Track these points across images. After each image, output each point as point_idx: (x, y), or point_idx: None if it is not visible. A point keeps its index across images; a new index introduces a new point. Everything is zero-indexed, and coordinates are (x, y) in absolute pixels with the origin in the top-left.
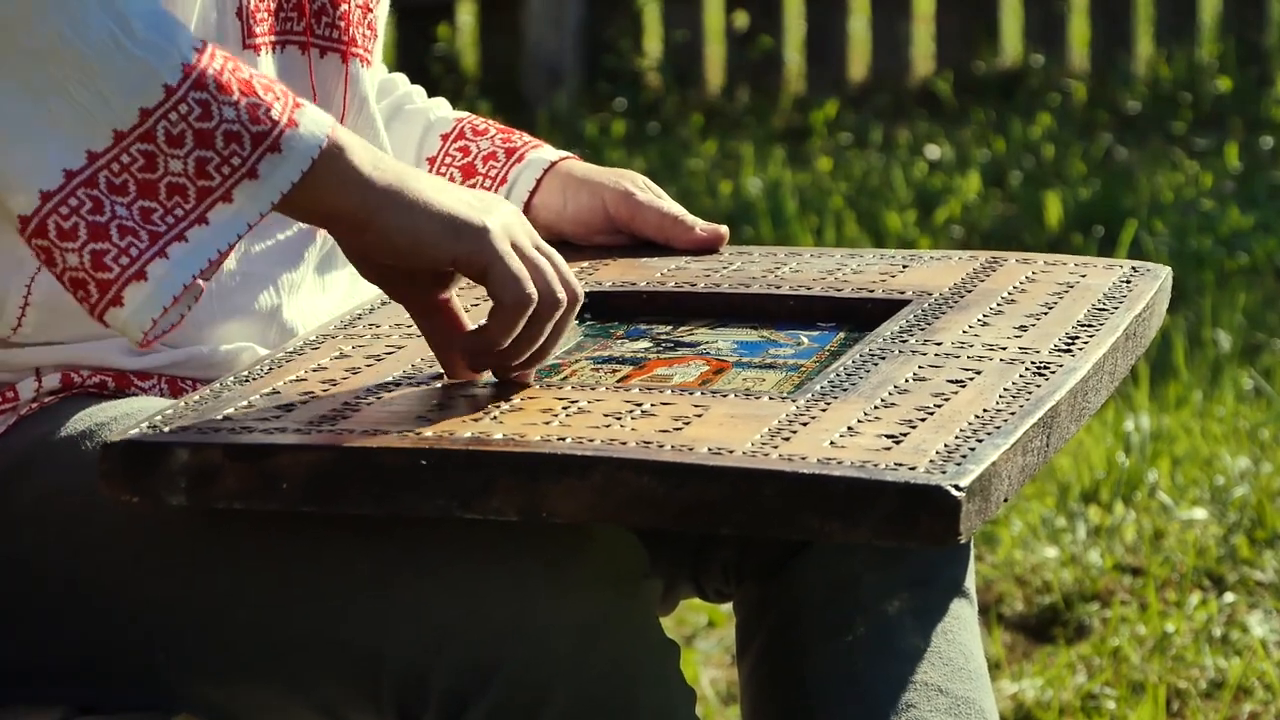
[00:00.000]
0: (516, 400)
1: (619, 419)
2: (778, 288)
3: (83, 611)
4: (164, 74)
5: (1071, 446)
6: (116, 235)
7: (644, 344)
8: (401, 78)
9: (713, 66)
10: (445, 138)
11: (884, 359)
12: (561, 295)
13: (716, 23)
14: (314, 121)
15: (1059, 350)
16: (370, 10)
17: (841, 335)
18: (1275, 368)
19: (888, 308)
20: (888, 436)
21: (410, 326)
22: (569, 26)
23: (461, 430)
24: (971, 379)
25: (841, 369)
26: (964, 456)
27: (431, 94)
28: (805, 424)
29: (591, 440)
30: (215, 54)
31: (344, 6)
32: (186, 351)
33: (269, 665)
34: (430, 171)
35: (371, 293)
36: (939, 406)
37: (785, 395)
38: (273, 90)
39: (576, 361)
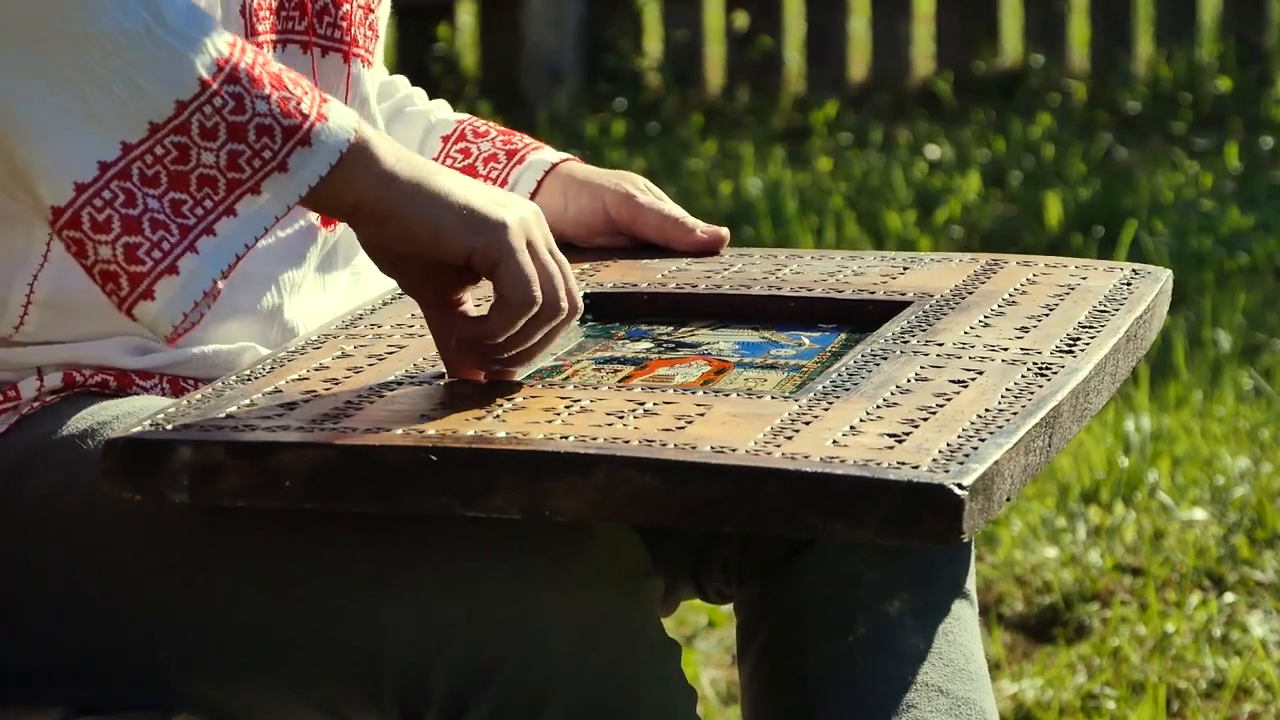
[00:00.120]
0: (519, 399)
1: (621, 418)
2: (779, 289)
3: (83, 611)
4: (199, 67)
5: (1072, 447)
6: (149, 229)
7: (645, 345)
8: (402, 80)
9: (713, 66)
10: (446, 139)
11: (886, 359)
12: (564, 304)
13: (716, 23)
14: (341, 115)
15: (1060, 351)
16: (372, 11)
17: (843, 336)
18: (1275, 368)
19: (889, 309)
20: (890, 436)
21: (412, 326)
22: (569, 26)
23: (464, 429)
24: (973, 379)
25: (843, 369)
26: (966, 456)
27: (431, 94)
28: (808, 423)
29: (594, 439)
30: (245, 47)
31: (346, 7)
32: (188, 351)
33: (269, 665)
34: None
35: (372, 293)
36: (941, 406)
37: (787, 395)
38: (300, 84)
39: (578, 362)
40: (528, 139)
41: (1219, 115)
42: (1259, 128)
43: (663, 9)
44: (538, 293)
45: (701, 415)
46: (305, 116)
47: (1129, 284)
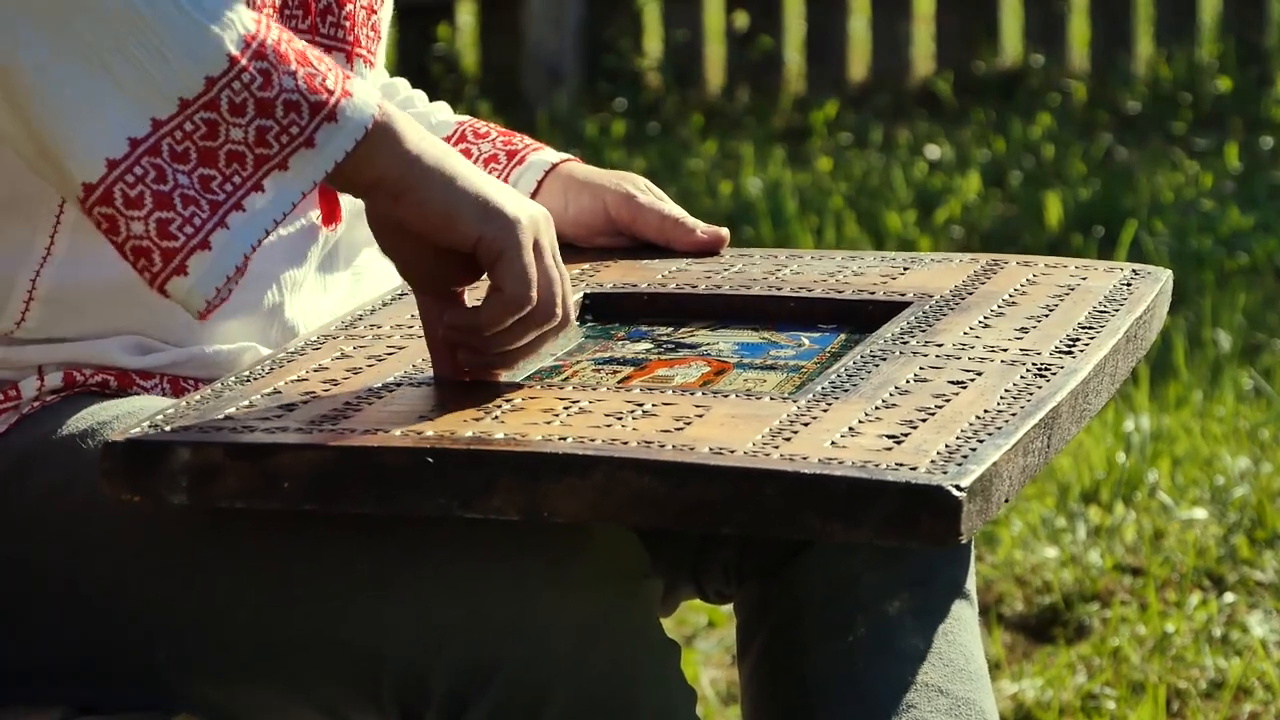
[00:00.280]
0: (518, 400)
1: (620, 419)
2: (779, 289)
3: (83, 611)
4: (228, 43)
5: (1072, 447)
6: (180, 204)
7: (645, 345)
8: (403, 82)
9: (713, 66)
10: (447, 140)
11: (885, 360)
12: (557, 312)
13: (716, 23)
14: (365, 92)
15: (1060, 352)
16: (375, 12)
17: (843, 337)
18: (1275, 368)
19: (889, 309)
20: (889, 437)
21: (411, 327)
22: (569, 26)
23: (463, 430)
24: (973, 380)
25: (843, 370)
26: (965, 457)
27: (431, 94)
28: (806, 424)
29: (593, 440)
30: (270, 24)
31: (349, 6)
32: (188, 351)
33: (269, 665)
34: None
35: (372, 294)
36: (940, 407)
37: (786, 396)
38: (324, 61)
39: (578, 362)
40: (528, 140)
41: (1219, 115)
42: (1259, 128)
43: (663, 9)
44: (534, 293)
45: (700, 416)
46: (331, 92)
47: (1129, 284)
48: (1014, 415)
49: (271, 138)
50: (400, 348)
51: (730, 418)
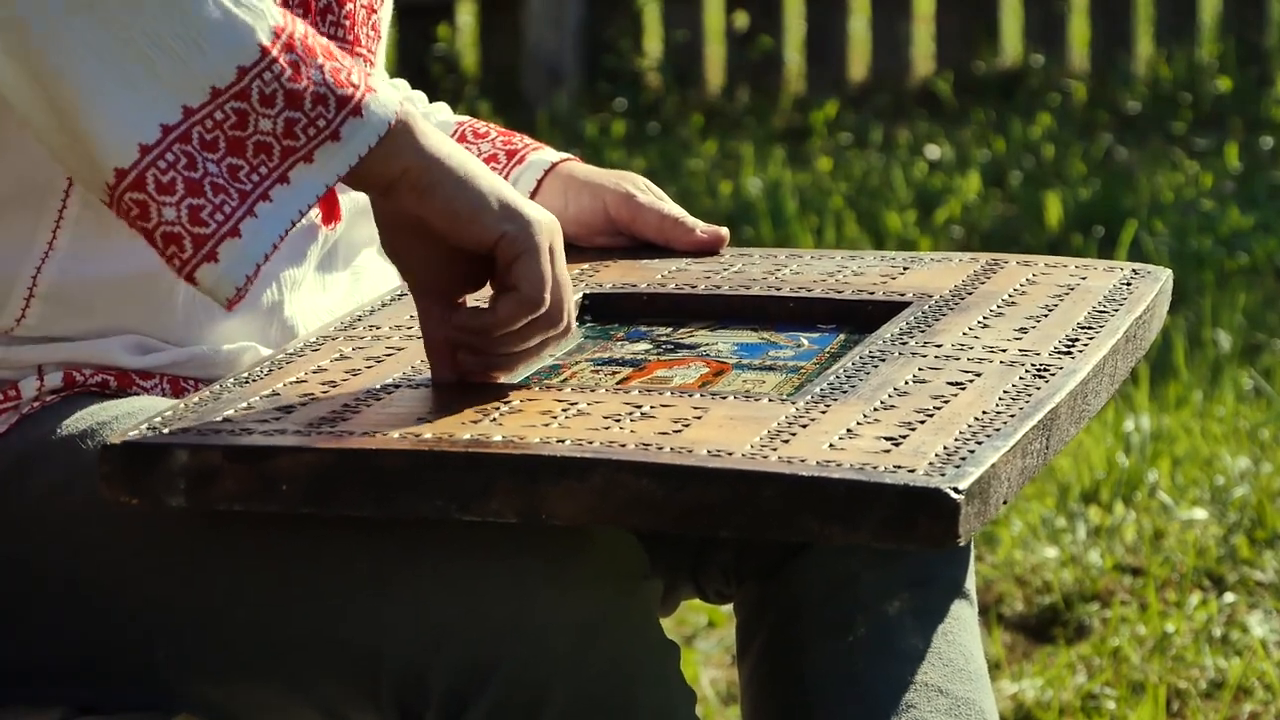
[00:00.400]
0: (516, 402)
1: (618, 421)
2: (778, 289)
3: (82, 611)
4: (260, 33)
5: (1072, 447)
6: (210, 192)
7: (644, 346)
8: (402, 84)
9: (713, 66)
10: None
11: (884, 361)
12: (564, 319)
13: (716, 23)
14: (386, 88)
15: (1059, 352)
16: (375, 11)
17: (842, 337)
18: (1275, 368)
19: (888, 310)
20: (887, 439)
21: (410, 329)
22: (569, 26)
23: (461, 432)
24: (971, 381)
25: (841, 371)
26: (963, 459)
27: (431, 94)
28: (805, 426)
29: (591, 442)
30: (294, 17)
31: (349, 6)
32: (188, 351)
33: (268, 664)
34: None
35: (371, 294)
36: (938, 409)
37: (785, 397)
38: (346, 57)
39: (576, 363)
40: (527, 139)
41: (1219, 115)
42: (1259, 128)
43: (663, 9)
44: (548, 295)
45: (699, 418)
46: (356, 87)
47: (1129, 284)
48: (1012, 416)
49: (299, 130)
50: (399, 349)
51: (728, 420)
